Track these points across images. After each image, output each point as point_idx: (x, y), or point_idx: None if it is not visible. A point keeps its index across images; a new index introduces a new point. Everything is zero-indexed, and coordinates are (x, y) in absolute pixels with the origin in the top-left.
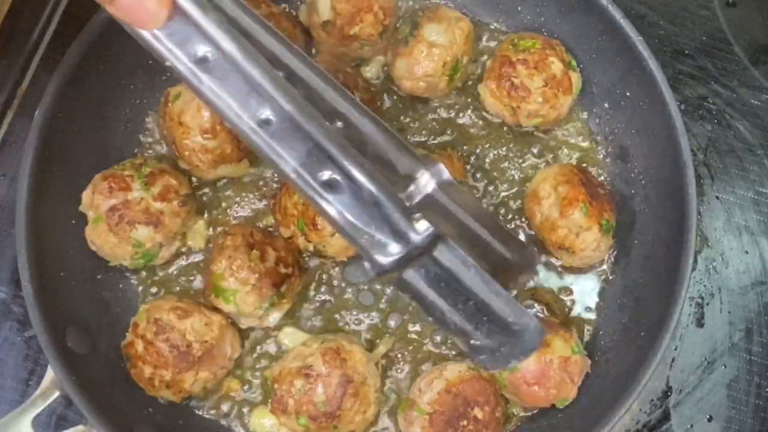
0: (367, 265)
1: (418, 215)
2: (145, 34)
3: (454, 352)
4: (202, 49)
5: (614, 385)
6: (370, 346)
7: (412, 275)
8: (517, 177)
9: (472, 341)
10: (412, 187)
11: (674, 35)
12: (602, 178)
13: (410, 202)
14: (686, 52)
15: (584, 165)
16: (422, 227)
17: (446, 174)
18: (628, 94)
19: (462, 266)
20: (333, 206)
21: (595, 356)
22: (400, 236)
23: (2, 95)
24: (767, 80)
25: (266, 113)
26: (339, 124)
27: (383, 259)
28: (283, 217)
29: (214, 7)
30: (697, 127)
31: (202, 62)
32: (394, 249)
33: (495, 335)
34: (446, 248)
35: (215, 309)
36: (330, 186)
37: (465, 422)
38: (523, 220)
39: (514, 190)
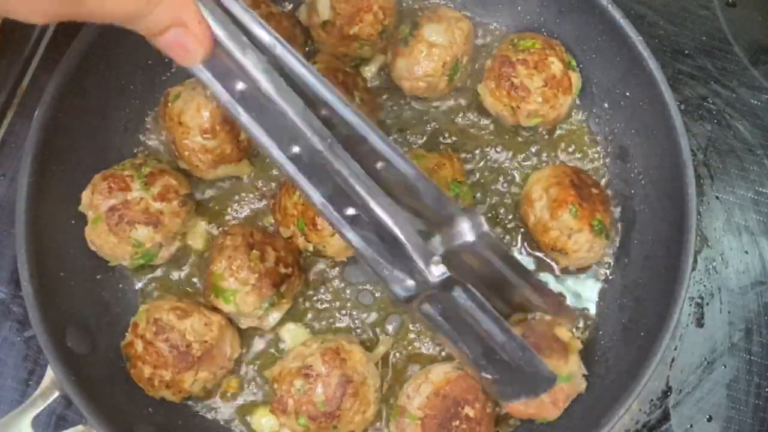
0: (388, 294)
1: (436, 258)
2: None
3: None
4: (241, 85)
5: (614, 385)
6: (370, 346)
7: (428, 310)
8: (517, 177)
9: (483, 373)
10: (452, 232)
11: (674, 35)
12: (603, 179)
13: (449, 245)
14: (686, 52)
15: (582, 165)
16: (438, 271)
17: (486, 226)
18: (627, 94)
19: (479, 310)
20: (356, 239)
21: (595, 356)
22: (417, 275)
23: (2, 95)
24: (767, 80)
25: (296, 149)
26: (380, 164)
27: (401, 292)
28: (283, 217)
29: (254, 47)
30: (696, 127)
31: (240, 96)
32: (411, 285)
33: (506, 372)
34: (463, 292)
35: (215, 309)
36: (354, 221)
37: (458, 422)
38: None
39: (514, 190)
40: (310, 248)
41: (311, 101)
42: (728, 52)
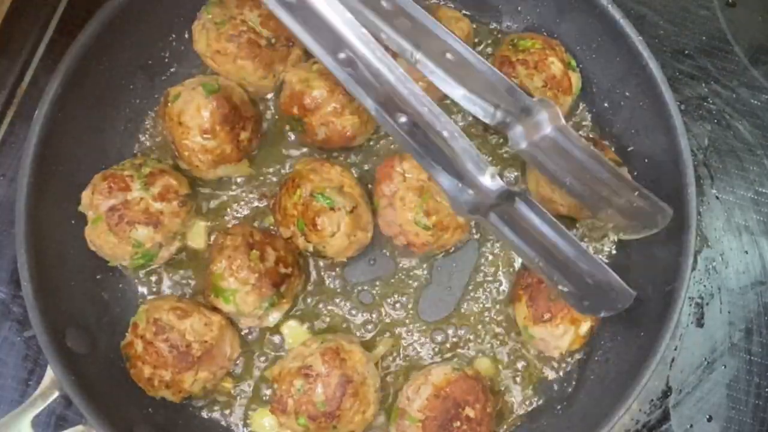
0: (451, 206)
1: (491, 170)
2: None
3: (448, 355)
4: None
5: (614, 385)
6: (370, 346)
7: (495, 219)
8: (517, 177)
9: (560, 287)
10: (531, 122)
11: (674, 35)
12: None
13: (531, 137)
14: (686, 52)
15: None
16: (494, 183)
17: (562, 119)
18: (627, 94)
19: (545, 223)
20: (414, 145)
21: (595, 356)
22: (475, 186)
23: (2, 95)
24: (767, 80)
25: (344, 55)
26: (449, 55)
27: (462, 202)
28: (283, 217)
29: None
30: (696, 127)
31: (288, 5)
32: (470, 196)
33: (583, 286)
34: (525, 203)
35: (215, 309)
36: (410, 131)
37: (458, 423)
38: None
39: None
40: (310, 248)
41: None
42: (728, 53)
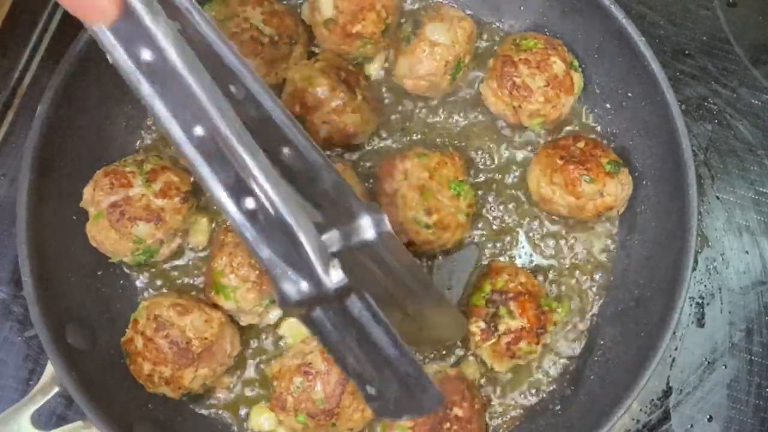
0: (276, 294)
1: (335, 262)
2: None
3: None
4: (147, 54)
5: (613, 385)
6: None
7: (319, 316)
8: (519, 177)
9: (367, 387)
10: (351, 227)
11: (675, 35)
12: None
13: (347, 242)
14: (687, 52)
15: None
16: (337, 276)
17: (388, 225)
18: (629, 94)
19: (372, 321)
20: (252, 233)
21: (595, 356)
22: (312, 278)
23: (2, 95)
24: (767, 80)
25: (200, 130)
26: (286, 150)
27: (293, 294)
28: None
29: (172, 15)
30: (697, 127)
31: (145, 67)
32: (305, 288)
33: (393, 388)
34: (359, 300)
35: (215, 306)
36: (253, 216)
37: (448, 425)
38: (534, 215)
39: (517, 191)
40: None
41: (221, 77)
42: (729, 52)
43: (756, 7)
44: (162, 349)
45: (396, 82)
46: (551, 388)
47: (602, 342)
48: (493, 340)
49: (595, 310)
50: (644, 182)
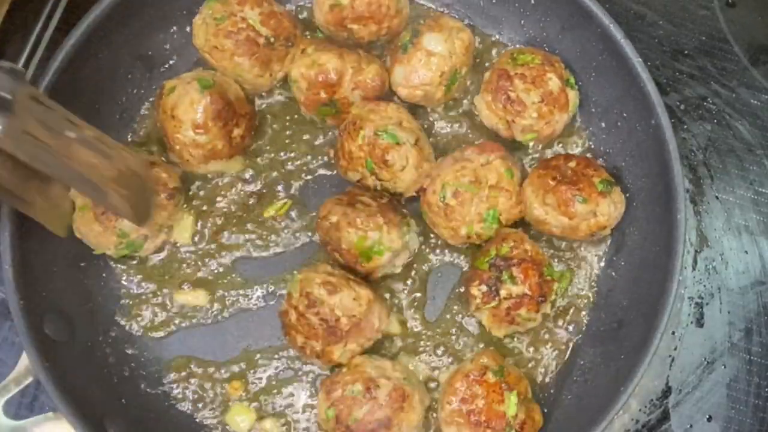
0: None
1: None
2: None
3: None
4: None
5: (590, 407)
6: None
7: None
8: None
9: None
10: None
11: (674, 35)
12: None
13: None
14: (686, 52)
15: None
16: None
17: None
18: (624, 114)
19: None
20: None
21: (573, 375)
22: None
23: None
24: (767, 80)
25: None
26: None
27: None
28: (349, 161)
29: None
30: (696, 127)
31: None
32: None
33: None
34: None
35: (365, 281)
36: None
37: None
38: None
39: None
40: (379, 186)
41: None
42: (728, 52)
43: (755, 7)
44: (313, 325)
45: (391, 89)
46: None
47: (582, 362)
48: (494, 304)
49: (578, 328)
50: (634, 203)
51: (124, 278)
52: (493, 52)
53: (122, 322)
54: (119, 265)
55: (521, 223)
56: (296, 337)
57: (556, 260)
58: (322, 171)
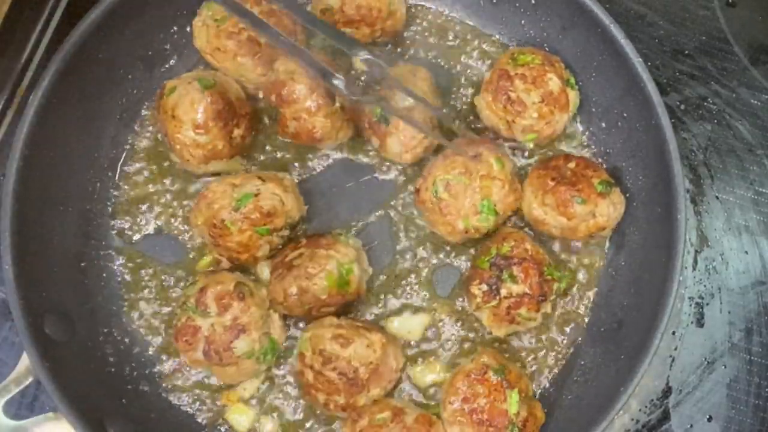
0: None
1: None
2: None
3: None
4: None
5: (590, 407)
6: None
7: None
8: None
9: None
10: None
11: (674, 35)
12: None
13: None
14: (686, 52)
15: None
16: None
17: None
18: (625, 115)
19: None
20: None
21: (574, 376)
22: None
23: (2, 95)
24: (767, 80)
25: None
26: None
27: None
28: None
29: None
30: (696, 127)
31: None
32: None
33: None
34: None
35: (372, 326)
36: None
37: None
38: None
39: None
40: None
41: None
42: (728, 52)
43: (755, 7)
44: (332, 380)
45: (394, 161)
46: None
47: (582, 362)
48: (494, 303)
49: (580, 328)
50: (634, 203)
51: (124, 278)
52: (495, 51)
53: (122, 322)
54: (119, 266)
55: (525, 225)
56: (317, 396)
57: (561, 255)
58: (320, 169)
